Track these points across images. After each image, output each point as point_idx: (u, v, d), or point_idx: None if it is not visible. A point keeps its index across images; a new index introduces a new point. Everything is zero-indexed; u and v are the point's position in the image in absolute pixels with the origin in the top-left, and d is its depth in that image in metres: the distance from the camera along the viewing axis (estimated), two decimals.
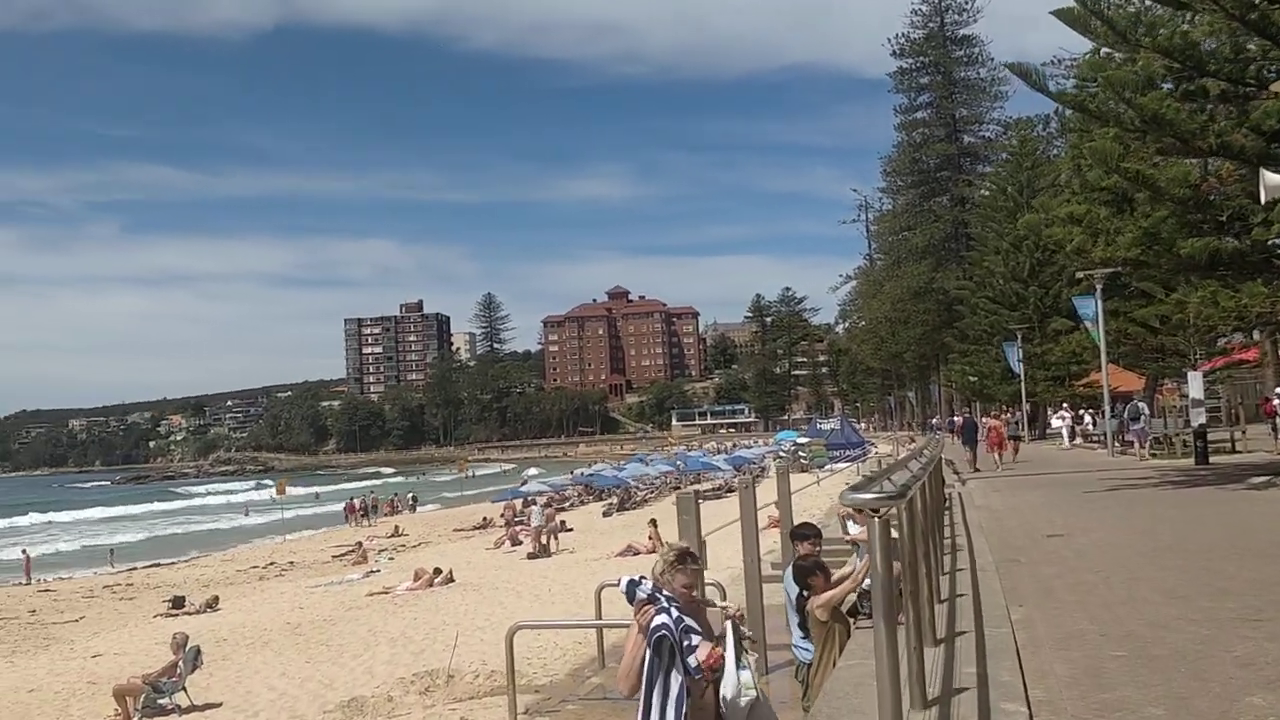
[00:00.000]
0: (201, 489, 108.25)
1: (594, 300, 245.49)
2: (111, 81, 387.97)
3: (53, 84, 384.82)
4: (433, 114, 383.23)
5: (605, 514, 46.32)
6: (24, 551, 43.32)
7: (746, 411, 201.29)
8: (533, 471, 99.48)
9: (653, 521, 28.14)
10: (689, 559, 4.90)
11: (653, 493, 54.15)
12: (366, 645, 17.19)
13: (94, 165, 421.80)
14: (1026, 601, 8.42)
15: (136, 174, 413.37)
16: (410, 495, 68.33)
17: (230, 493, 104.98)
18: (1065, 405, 45.08)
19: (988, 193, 63.94)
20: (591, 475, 61.31)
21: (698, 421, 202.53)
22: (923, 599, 6.06)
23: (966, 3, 79.89)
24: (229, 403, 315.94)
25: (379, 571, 31.93)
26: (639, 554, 27.03)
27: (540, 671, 13.03)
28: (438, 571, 25.51)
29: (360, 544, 38.22)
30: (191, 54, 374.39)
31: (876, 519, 3.42)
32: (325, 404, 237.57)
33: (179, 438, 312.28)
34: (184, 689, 13.43)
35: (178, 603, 26.71)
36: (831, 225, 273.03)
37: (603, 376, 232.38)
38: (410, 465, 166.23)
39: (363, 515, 60.10)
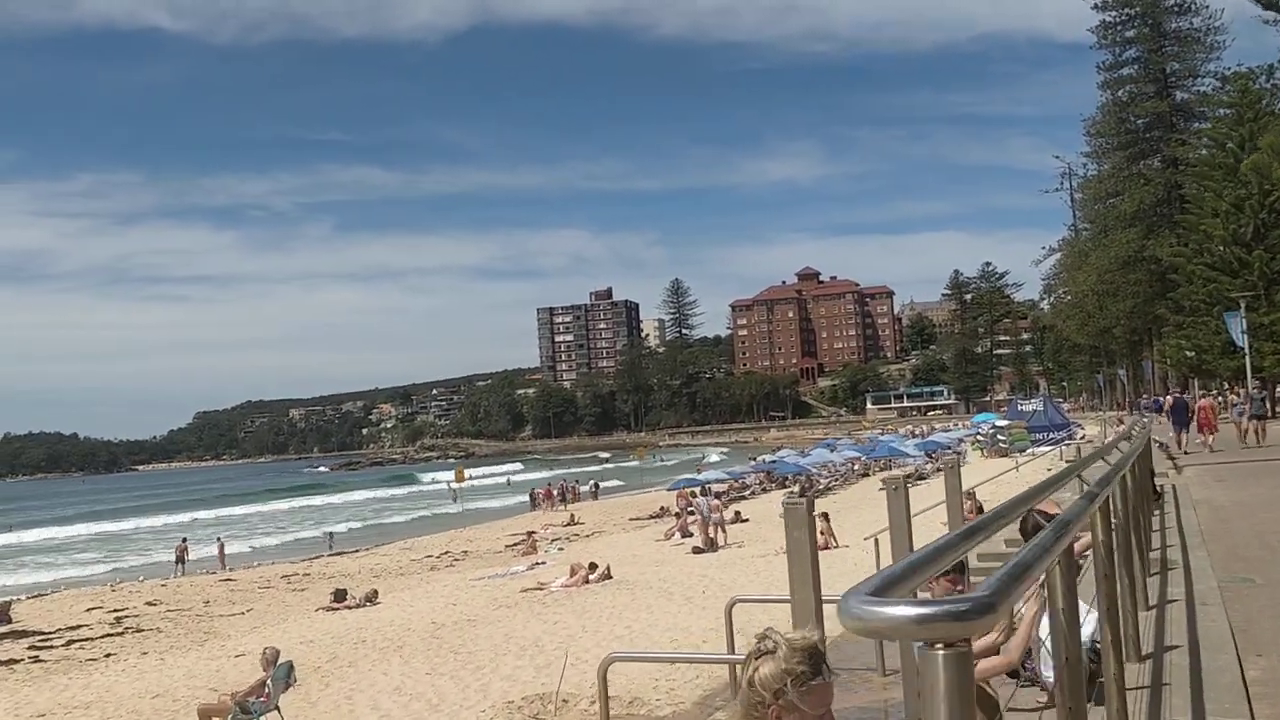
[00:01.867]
0: (428, 476, 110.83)
1: (783, 282, 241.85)
2: (321, 88, 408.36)
3: (268, 92, 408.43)
4: (621, 103, 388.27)
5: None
6: (219, 539, 44.55)
7: (945, 393, 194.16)
8: (713, 458, 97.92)
9: (824, 515, 25.95)
10: (821, 669, 2.78)
11: (837, 480, 51.63)
12: (496, 654, 15.86)
13: (307, 168, 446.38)
14: (1268, 649, 6.16)
15: (345, 175, 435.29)
16: (592, 481, 67.72)
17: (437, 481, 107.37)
18: None
19: (1205, 150, 58.25)
20: (774, 462, 59.10)
21: (894, 405, 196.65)
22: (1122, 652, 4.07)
23: None
24: (434, 391, 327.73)
25: (544, 564, 30.90)
26: None
27: (665, 698, 11.30)
28: (593, 567, 24.14)
29: (531, 534, 37.39)
30: (392, 58, 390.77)
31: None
32: (521, 392, 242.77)
33: (389, 425, 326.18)
34: (277, 708, 12.31)
35: (339, 596, 26.25)
36: (1033, 196, 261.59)
37: (794, 360, 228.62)
38: (611, 450, 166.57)
39: (561, 499, 60.50)
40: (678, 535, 33.20)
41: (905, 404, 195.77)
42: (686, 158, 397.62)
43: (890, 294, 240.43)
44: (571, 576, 24.20)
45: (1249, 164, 39.33)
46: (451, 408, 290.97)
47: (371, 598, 25.78)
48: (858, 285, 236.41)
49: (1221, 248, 50.12)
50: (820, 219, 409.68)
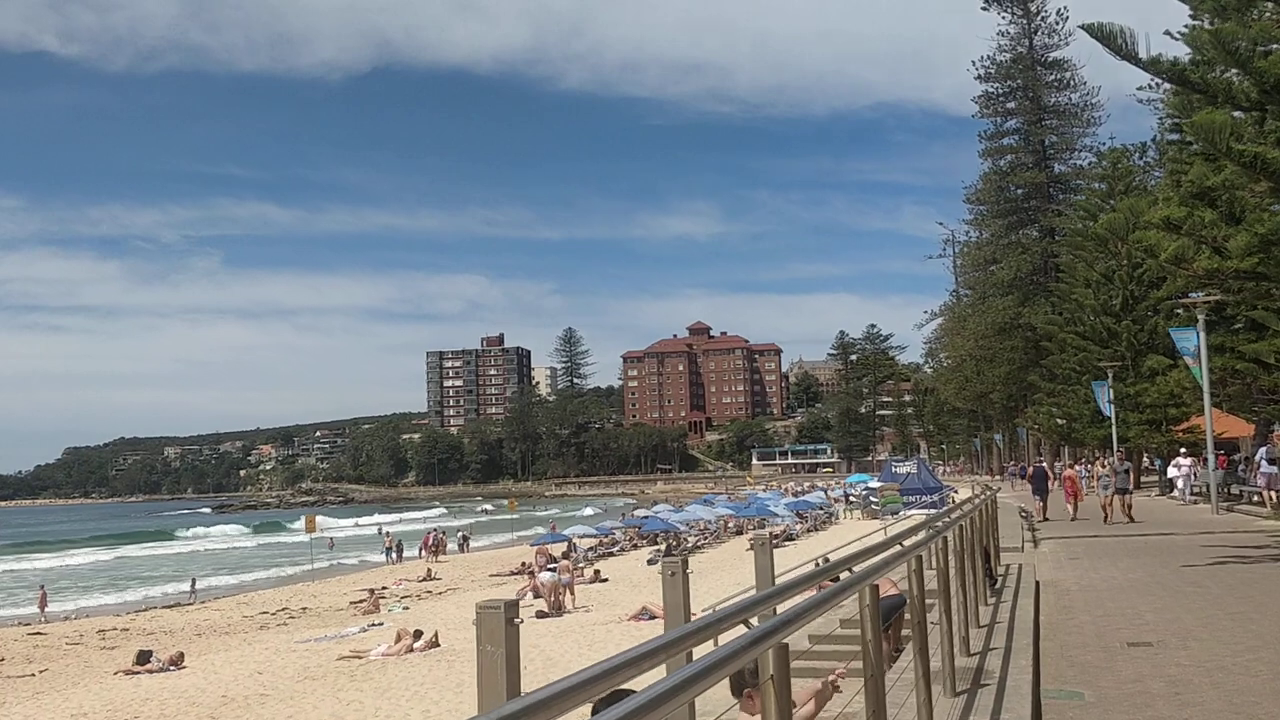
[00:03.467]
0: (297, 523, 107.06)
1: (675, 336, 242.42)
2: (215, 121, 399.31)
3: (160, 123, 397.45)
4: (523, 152, 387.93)
5: (650, 562, 42.57)
6: (41, 588, 41.20)
7: (829, 452, 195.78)
8: (587, 511, 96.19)
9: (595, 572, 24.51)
10: None
11: (706, 539, 50.32)
12: None
13: (198, 201, 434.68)
14: None
15: (239, 210, 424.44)
16: (460, 533, 65.37)
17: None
18: (1184, 451, 38.50)
19: (1079, 221, 59.24)
20: (646, 518, 57.67)
21: (778, 461, 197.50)
22: None
23: (1058, 25, 75.32)
24: (317, 434, 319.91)
25: (381, 625, 28.81)
26: (655, 618, 23.47)
27: None
28: (418, 634, 22.24)
29: (373, 592, 35.14)
30: (292, 95, 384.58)
31: None
32: (406, 436, 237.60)
33: (268, 467, 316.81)
34: None
35: (142, 658, 23.84)
36: (918, 263, 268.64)
37: (683, 413, 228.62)
38: (496, 499, 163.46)
39: (435, 551, 58.15)
40: (530, 595, 31.46)
41: (790, 460, 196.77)
42: (588, 209, 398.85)
43: (779, 352, 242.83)
44: (396, 643, 22.29)
45: (1103, 223, 39.73)
46: (335, 451, 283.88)
47: (177, 661, 23.48)
48: (747, 342, 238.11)
49: (1092, 317, 50.60)
50: (715, 276, 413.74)
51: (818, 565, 19.74)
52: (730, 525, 55.88)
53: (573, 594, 28.79)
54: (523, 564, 44.62)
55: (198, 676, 21.85)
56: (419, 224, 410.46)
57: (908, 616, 8.94)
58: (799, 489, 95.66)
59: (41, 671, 24.59)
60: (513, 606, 4.85)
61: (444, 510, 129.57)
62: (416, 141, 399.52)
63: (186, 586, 46.78)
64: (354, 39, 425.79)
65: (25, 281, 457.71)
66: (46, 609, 38.81)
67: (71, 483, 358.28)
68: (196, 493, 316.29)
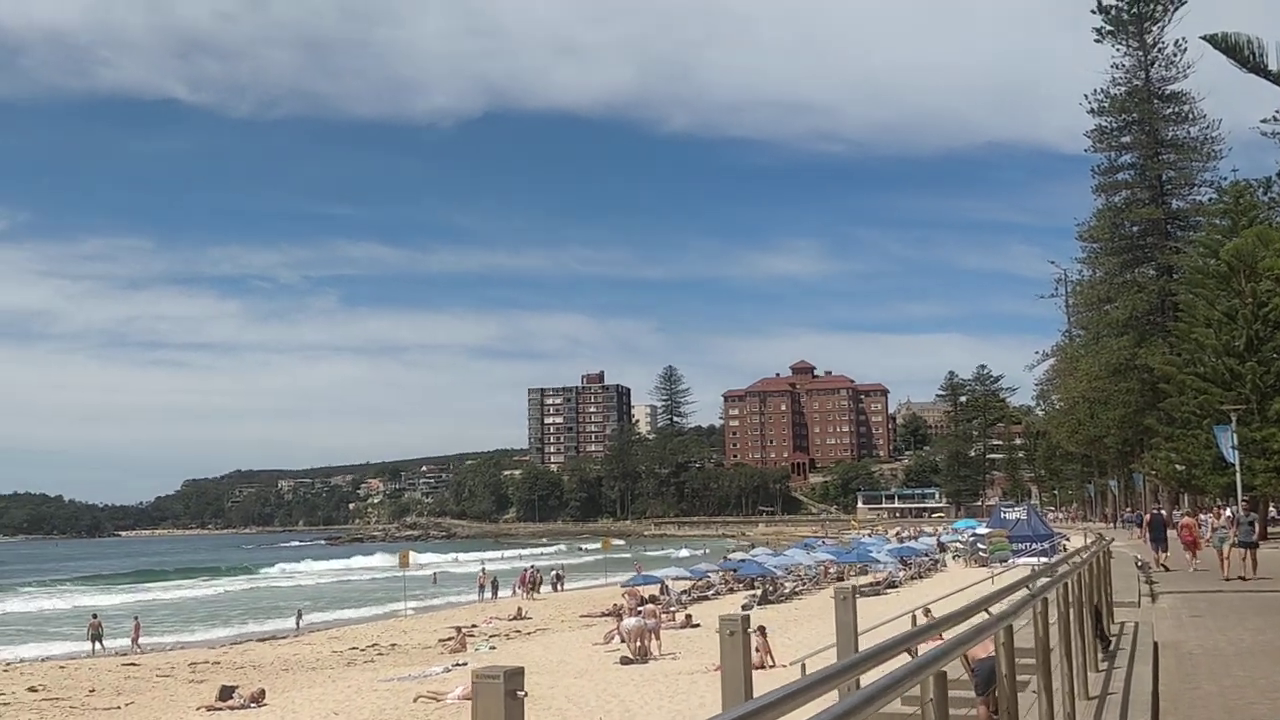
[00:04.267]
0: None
1: (777, 375, 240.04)
2: (333, 165, 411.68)
3: (281, 166, 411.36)
4: (626, 192, 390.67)
5: (745, 607, 41.43)
6: (135, 619, 41.79)
7: (937, 496, 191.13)
8: (682, 553, 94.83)
9: (761, 629, 23.49)
10: None
11: (804, 585, 48.89)
12: None
13: (316, 242, 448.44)
14: None
15: (354, 251, 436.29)
16: (554, 571, 64.91)
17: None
18: None
19: (1199, 259, 56.64)
20: (743, 560, 56.38)
21: (885, 505, 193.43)
22: None
23: (1175, 57, 72.63)
24: (423, 468, 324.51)
25: (465, 665, 28.30)
26: None
27: None
28: None
29: (460, 630, 34.70)
30: (407, 139, 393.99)
31: None
32: (507, 473, 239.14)
33: (376, 501, 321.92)
34: None
35: (224, 694, 23.73)
36: (1029, 302, 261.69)
37: (785, 454, 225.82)
38: (597, 537, 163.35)
39: (532, 587, 58.62)
40: (617, 639, 30.67)
41: (897, 504, 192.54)
42: (690, 248, 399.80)
43: (885, 392, 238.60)
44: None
45: (1230, 249, 37.71)
46: (439, 485, 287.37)
47: (258, 698, 23.27)
48: (852, 381, 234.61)
49: (1213, 358, 48.11)
50: (819, 315, 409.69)
51: (914, 621, 18.57)
52: (831, 571, 54.36)
53: (659, 639, 27.88)
54: (614, 605, 43.82)
55: (276, 714, 21.60)
56: (523, 263, 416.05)
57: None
58: (905, 534, 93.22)
59: (128, 704, 24.62)
60: (515, 676, 4.10)
61: (560, 547, 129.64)
62: (522, 183, 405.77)
63: (290, 621, 47.32)
64: (465, 85, 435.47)
65: (152, 319, 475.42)
66: (140, 640, 39.28)
67: (189, 514, 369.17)
68: (307, 525, 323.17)
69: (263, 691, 23.69)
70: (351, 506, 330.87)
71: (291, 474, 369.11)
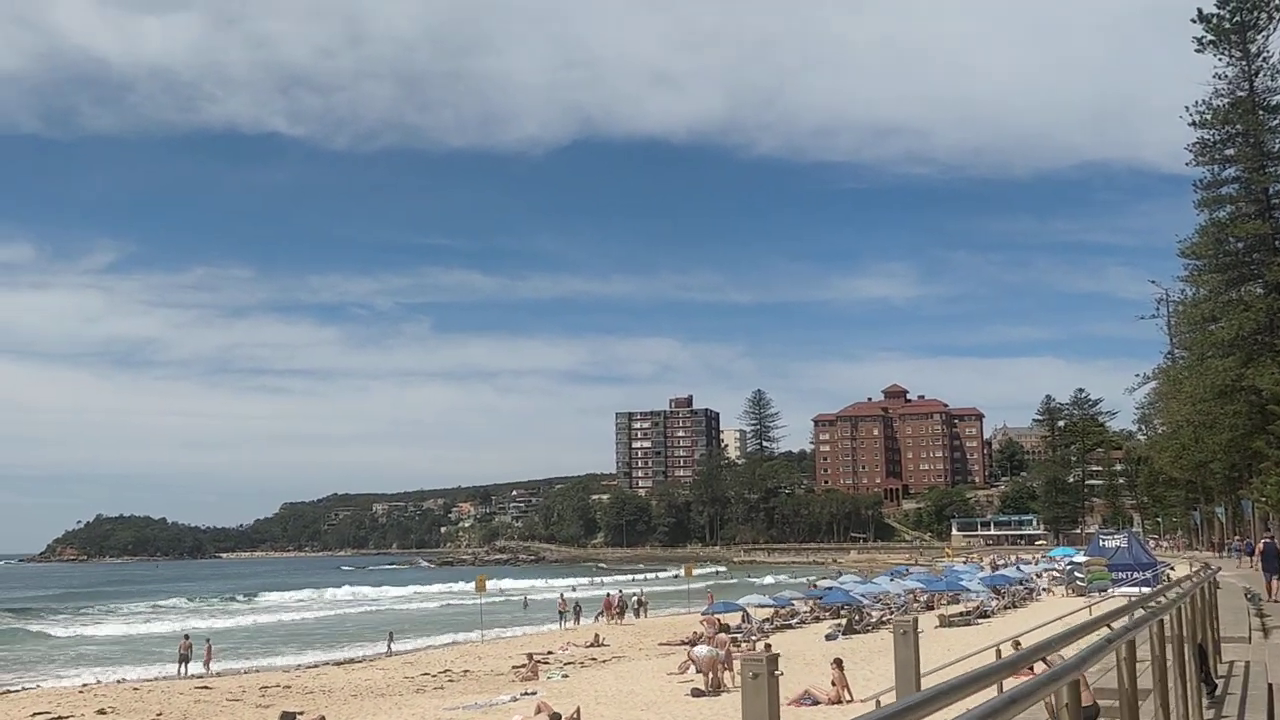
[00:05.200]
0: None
1: (869, 399, 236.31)
2: (427, 195, 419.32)
3: (377, 197, 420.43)
4: (715, 218, 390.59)
5: (829, 637, 40.13)
6: (207, 641, 41.93)
7: (1034, 523, 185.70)
8: (767, 579, 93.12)
9: (837, 662, 22.37)
10: None
11: (892, 614, 47.20)
12: None
13: (410, 270, 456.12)
14: None
15: (447, 278, 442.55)
16: (635, 597, 63.99)
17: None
18: None
19: None
20: (830, 588, 54.86)
21: (980, 532, 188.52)
22: None
23: None
24: (513, 492, 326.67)
25: (534, 695, 27.57)
26: (818, 703, 21.39)
27: None
28: (555, 718, 20.74)
29: (531, 656, 33.99)
30: (498, 169, 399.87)
31: None
32: (595, 497, 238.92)
33: (467, 524, 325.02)
34: None
35: None
36: (1129, 324, 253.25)
37: (877, 480, 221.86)
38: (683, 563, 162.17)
39: (619, 613, 58.22)
40: (692, 669, 29.68)
41: (992, 531, 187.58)
42: (780, 272, 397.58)
43: (980, 417, 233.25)
44: (539, 714, 20.94)
45: None
46: (529, 510, 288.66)
47: None
48: (946, 406, 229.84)
49: None
50: (911, 339, 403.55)
51: (999, 654, 17.28)
52: (920, 599, 52.59)
53: (732, 670, 26.79)
54: (694, 634, 42.78)
55: None
56: (613, 289, 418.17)
57: None
58: (1000, 562, 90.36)
59: None
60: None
61: (676, 573, 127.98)
62: (612, 209, 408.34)
63: (372, 647, 47.37)
64: (556, 114, 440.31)
65: (254, 346, 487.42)
66: (211, 663, 39.38)
67: (287, 536, 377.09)
68: (400, 548, 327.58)
69: (323, 719, 23.22)
70: (443, 530, 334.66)
71: (386, 497, 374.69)
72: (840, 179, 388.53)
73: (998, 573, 61.79)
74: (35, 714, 26.82)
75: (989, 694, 3.75)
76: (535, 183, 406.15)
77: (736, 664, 29.15)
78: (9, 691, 32.69)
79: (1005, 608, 47.55)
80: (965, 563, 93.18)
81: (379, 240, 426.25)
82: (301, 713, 24.68)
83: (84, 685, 34.25)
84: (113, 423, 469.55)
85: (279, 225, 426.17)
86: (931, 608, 49.91)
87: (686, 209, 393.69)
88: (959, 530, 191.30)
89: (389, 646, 46.55)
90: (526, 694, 27.69)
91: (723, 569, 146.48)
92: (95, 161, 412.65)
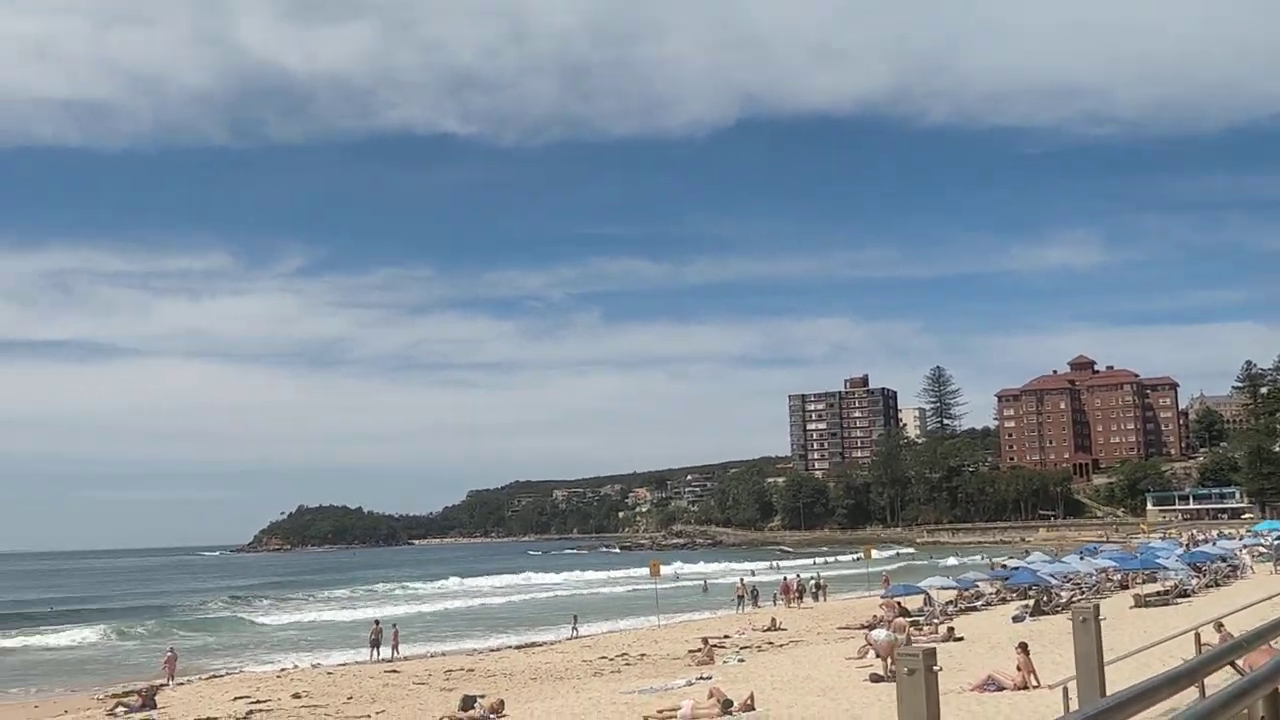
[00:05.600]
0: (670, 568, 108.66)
1: (1054, 372, 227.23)
2: (593, 185, 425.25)
3: (545, 190, 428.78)
4: (887, 191, 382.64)
5: (1016, 619, 38.66)
6: (395, 627, 43.32)
7: (1237, 495, 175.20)
8: (950, 561, 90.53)
9: (1022, 646, 21.40)
10: None
11: (1083, 594, 45.17)
12: None
13: (579, 261, 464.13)
14: None
15: (614, 267, 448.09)
16: (813, 580, 63.20)
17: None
18: None
19: None
20: (1016, 569, 52.91)
21: (1177, 506, 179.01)
22: None
23: None
24: (688, 477, 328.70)
25: (709, 679, 27.42)
26: (1003, 689, 20.50)
27: None
28: (727, 705, 20.47)
29: (706, 640, 33.85)
30: (662, 155, 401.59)
31: None
32: (770, 480, 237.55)
33: (643, 509, 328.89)
34: None
35: (466, 704, 23.85)
36: None
37: (1065, 455, 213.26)
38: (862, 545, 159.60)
39: (799, 596, 58.09)
40: (871, 654, 29.00)
41: (1191, 505, 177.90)
42: (957, 244, 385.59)
43: (1174, 386, 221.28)
44: (709, 700, 20.74)
45: None
46: (704, 494, 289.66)
47: (497, 709, 23.21)
48: (1137, 376, 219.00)
49: None
50: (1098, 308, 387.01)
51: (1198, 638, 16.15)
52: (1115, 578, 50.17)
53: None
54: (873, 617, 41.90)
55: None
56: (783, 269, 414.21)
57: None
58: (1200, 537, 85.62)
59: (379, 712, 25.20)
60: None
61: (857, 555, 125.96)
62: (779, 189, 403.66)
63: (554, 632, 48.33)
64: (719, 96, 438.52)
65: (436, 342, 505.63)
66: (399, 647, 40.71)
67: (473, 522, 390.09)
68: (580, 533, 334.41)
69: (501, 702, 23.62)
70: (620, 515, 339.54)
71: (565, 484, 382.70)
72: (1016, 144, 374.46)
73: (1197, 549, 58.45)
74: (236, 698, 28.25)
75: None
76: (700, 166, 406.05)
77: (928, 647, 28.40)
78: (215, 676, 34.61)
79: (1206, 586, 44.87)
80: (1162, 539, 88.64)
81: (549, 233, 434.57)
82: (483, 695, 25.15)
83: (282, 670, 35.97)
84: (310, 419, 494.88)
85: (455, 224, 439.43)
86: (1126, 587, 47.56)
87: (856, 183, 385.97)
88: (1154, 505, 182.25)
89: (574, 630, 47.29)
90: (701, 678, 27.58)
91: (910, 550, 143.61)
92: (282, 170, 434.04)
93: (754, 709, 20.40)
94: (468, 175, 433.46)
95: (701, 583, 79.02)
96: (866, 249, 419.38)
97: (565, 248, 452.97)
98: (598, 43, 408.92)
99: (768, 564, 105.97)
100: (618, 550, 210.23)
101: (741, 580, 63.37)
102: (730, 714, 20.11)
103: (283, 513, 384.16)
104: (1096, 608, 11.19)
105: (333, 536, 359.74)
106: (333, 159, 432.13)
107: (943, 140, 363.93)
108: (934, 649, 6.14)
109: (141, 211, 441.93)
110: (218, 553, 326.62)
